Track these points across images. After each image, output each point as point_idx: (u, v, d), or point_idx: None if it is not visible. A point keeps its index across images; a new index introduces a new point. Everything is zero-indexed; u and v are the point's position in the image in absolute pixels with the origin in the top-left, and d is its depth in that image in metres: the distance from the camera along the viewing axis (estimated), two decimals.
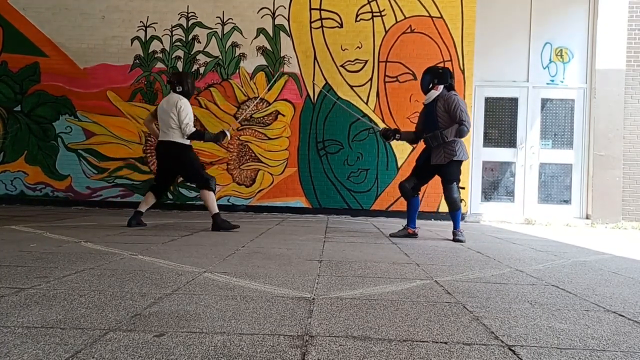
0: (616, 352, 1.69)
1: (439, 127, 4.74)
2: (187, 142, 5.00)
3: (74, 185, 7.71)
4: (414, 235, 5.02)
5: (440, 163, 4.77)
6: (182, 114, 4.83)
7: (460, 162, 4.84)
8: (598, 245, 4.95)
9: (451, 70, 4.99)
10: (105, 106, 7.70)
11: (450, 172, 4.80)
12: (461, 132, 4.67)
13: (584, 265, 3.58)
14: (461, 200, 4.95)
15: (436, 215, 7.44)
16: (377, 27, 7.59)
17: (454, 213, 4.89)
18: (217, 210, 5.00)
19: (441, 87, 4.83)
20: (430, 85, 4.83)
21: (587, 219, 7.70)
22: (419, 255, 3.80)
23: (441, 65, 4.99)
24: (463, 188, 5.03)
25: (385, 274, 2.95)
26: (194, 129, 4.91)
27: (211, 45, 7.69)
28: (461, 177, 7.37)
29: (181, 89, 4.98)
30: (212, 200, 4.99)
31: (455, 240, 4.79)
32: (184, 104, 4.87)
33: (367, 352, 1.60)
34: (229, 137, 5.14)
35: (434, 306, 2.22)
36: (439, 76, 4.81)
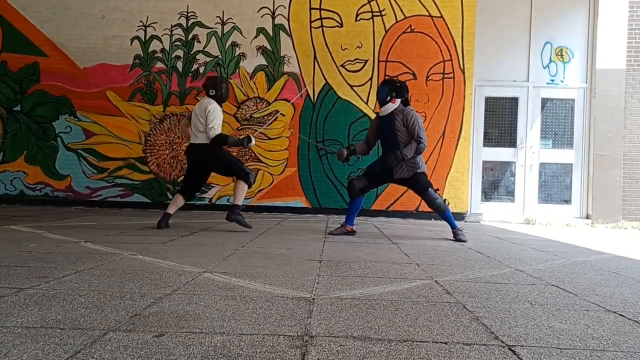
0: (616, 352, 1.69)
1: (397, 141, 4.80)
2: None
3: (73, 185, 7.70)
4: (351, 232, 5.05)
5: (404, 177, 4.84)
6: (209, 117, 4.84)
7: (423, 173, 4.91)
8: (598, 245, 4.95)
9: (407, 85, 5.02)
10: (105, 106, 7.69)
11: (419, 182, 4.86)
12: (419, 150, 4.76)
13: (584, 265, 3.58)
14: (444, 200, 4.99)
15: (436, 215, 7.43)
16: (377, 26, 7.58)
17: (444, 216, 4.92)
18: (240, 203, 5.02)
19: (398, 100, 4.86)
20: (388, 98, 4.84)
21: (588, 219, 7.69)
22: (419, 255, 3.80)
23: (398, 80, 5.06)
24: (437, 189, 5.06)
25: (385, 274, 2.95)
26: (218, 132, 4.88)
27: (211, 45, 7.68)
28: (461, 176, 7.48)
29: (214, 93, 4.98)
30: (243, 192, 5.02)
31: (457, 240, 4.79)
32: (214, 108, 4.88)
33: (367, 352, 1.60)
34: (254, 143, 5.13)
35: (434, 306, 2.22)
36: (397, 89, 4.85)
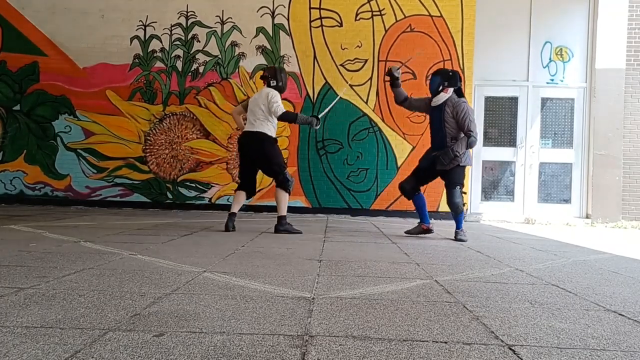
0: (616, 352, 1.69)
1: (445, 133, 4.73)
2: (273, 134, 4.93)
3: (73, 184, 7.70)
4: (428, 231, 5.03)
5: (444, 169, 4.77)
6: (272, 100, 4.79)
7: (464, 167, 4.83)
8: (598, 245, 4.95)
9: (460, 73, 4.96)
10: (105, 105, 7.69)
11: (453, 177, 4.78)
12: (470, 144, 4.66)
13: (584, 265, 3.58)
14: (463, 204, 4.93)
15: (436, 215, 7.43)
16: (376, 26, 7.58)
17: (456, 217, 4.87)
18: (285, 213, 4.95)
19: (451, 90, 4.79)
20: (440, 88, 4.79)
21: (587, 218, 7.69)
22: (418, 254, 3.80)
23: (450, 69, 4.99)
24: (465, 193, 5.01)
25: (385, 274, 2.95)
26: (283, 109, 4.83)
27: (210, 45, 7.68)
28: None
29: (275, 84, 4.95)
30: (284, 201, 4.93)
31: (456, 239, 4.79)
32: (276, 94, 4.85)
33: (367, 352, 1.60)
34: (319, 125, 5.13)
35: (434, 306, 2.22)
36: (448, 79, 4.77)
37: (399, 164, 7.52)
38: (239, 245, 3.97)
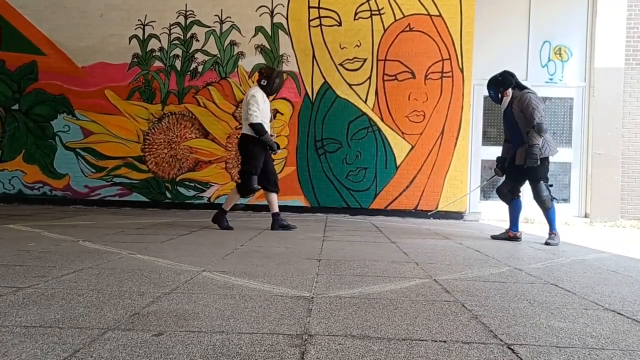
0: (615, 351, 1.69)
1: (518, 128, 4.70)
2: (254, 134, 4.95)
3: (72, 184, 7.69)
4: (515, 238, 4.84)
5: (522, 163, 4.65)
6: (250, 107, 4.84)
7: (545, 159, 4.68)
8: (597, 244, 4.96)
9: (511, 71, 4.87)
10: (104, 105, 7.68)
11: (534, 171, 4.63)
12: (539, 130, 4.50)
13: (582, 264, 3.58)
14: (553, 199, 4.74)
15: (435, 214, 7.44)
16: (375, 25, 7.57)
17: (546, 213, 4.72)
18: (227, 210, 5.06)
19: (510, 91, 4.79)
20: (500, 95, 4.83)
21: (586, 218, 7.70)
22: (418, 254, 3.80)
23: (497, 74, 4.87)
24: (552, 185, 4.82)
25: (384, 273, 2.95)
26: (258, 121, 4.85)
27: (209, 44, 7.67)
28: (460, 175, 7.48)
29: (264, 83, 4.99)
30: (231, 198, 5.07)
31: (546, 243, 4.60)
32: (256, 101, 4.85)
33: (366, 351, 1.60)
34: (277, 153, 5.26)
35: (433, 305, 2.22)
36: (501, 84, 4.80)
37: (398, 163, 7.52)
38: (238, 244, 3.97)
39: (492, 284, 2.73)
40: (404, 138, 7.52)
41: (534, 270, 3.24)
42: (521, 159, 4.67)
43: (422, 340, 1.73)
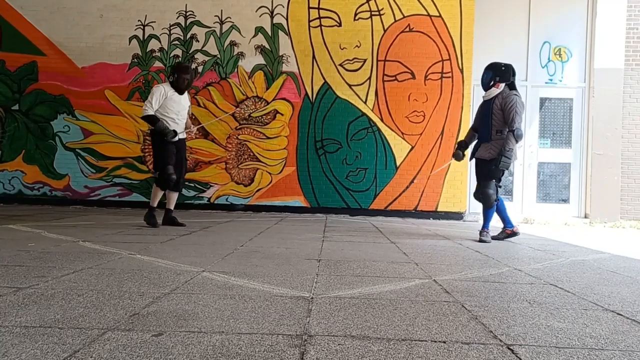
0: (614, 351, 1.69)
1: (490, 125, 4.68)
2: (158, 127, 5.03)
3: (72, 184, 7.69)
4: (514, 234, 4.90)
5: (483, 158, 4.68)
6: (149, 96, 5.05)
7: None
8: (596, 244, 4.96)
9: (515, 69, 4.80)
10: (104, 105, 7.68)
11: (492, 170, 4.64)
12: (517, 137, 4.55)
13: (582, 264, 3.58)
14: (496, 200, 4.77)
15: (435, 215, 7.45)
16: (375, 26, 7.58)
17: (485, 210, 4.79)
18: (154, 205, 5.10)
19: (502, 85, 4.72)
20: (492, 83, 4.73)
21: (586, 218, 7.71)
22: (417, 254, 3.80)
23: (503, 63, 4.80)
24: (500, 187, 4.85)
25: (384, 273, 2.95)
26: (146, 114, 4.98)
27: (209, 44, 7.67)
28: (459, 175, 7.48)
29: (172, 80, 5.10)
30: (155, 194, 5.11)
31: (479, 240, 4.70)
32: (154, 90, 5.04)
33: (366, 352, 1.60)
34: (176, 139, 5.08)
35: (433, 305, 2.22)
36: (501, 73, 4.70)
37: (398, 163, 7.52)
38: (238, 244, 3.97)
39: (491, 285, 2.73)
40: (403, 138, 7.53)
41: (533, 270, 3.24)
42: (484, 153, 4.69)
43: (422, 340, 1.73)
